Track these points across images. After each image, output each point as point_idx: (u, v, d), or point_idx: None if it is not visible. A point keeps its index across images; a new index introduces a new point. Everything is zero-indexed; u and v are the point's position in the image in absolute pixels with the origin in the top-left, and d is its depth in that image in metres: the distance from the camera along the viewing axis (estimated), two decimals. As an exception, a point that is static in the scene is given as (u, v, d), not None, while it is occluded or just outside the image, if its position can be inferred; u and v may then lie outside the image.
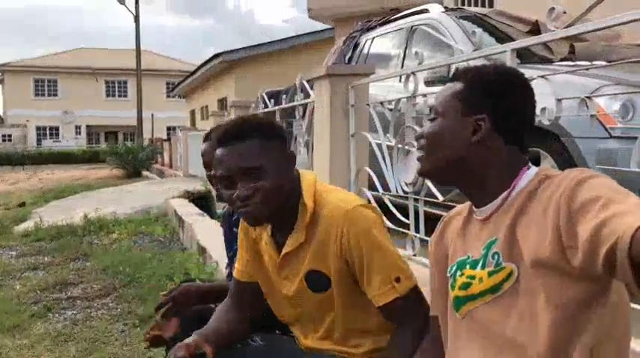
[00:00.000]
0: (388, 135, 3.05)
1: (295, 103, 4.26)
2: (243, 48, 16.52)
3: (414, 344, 1.37)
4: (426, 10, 4.57)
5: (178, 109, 32.37)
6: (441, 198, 2.59)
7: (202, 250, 4.70)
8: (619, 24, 1.71)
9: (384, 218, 2.01)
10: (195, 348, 1.48)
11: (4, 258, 5.65)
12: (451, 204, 2.34)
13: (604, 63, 2.83)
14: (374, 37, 5.25)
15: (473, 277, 1.17)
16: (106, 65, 39.98)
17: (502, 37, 3.74)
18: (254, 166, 1.41)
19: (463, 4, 7.95)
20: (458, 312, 1.21)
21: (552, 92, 2.01)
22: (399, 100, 2.95)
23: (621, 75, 2.66)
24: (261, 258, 1.62)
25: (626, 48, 3.53)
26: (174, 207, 7.07)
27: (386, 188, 3.02)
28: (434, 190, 2.60)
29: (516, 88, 1.22)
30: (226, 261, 2.41)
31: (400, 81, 2.95)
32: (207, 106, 20.14)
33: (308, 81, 3.95)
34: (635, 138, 1.73)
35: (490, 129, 1.17)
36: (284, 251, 1.51)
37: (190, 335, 1.56)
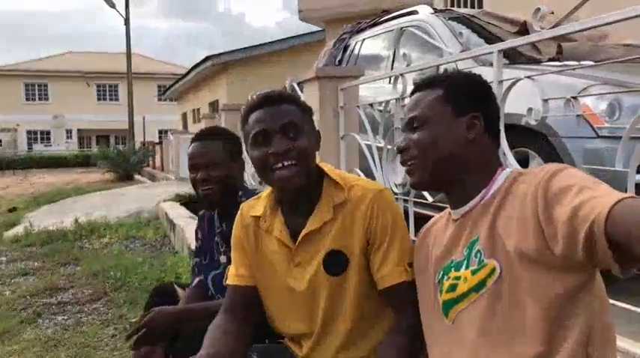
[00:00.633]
0: (378, 136, 3.05)
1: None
2: (234, 50, 16.51)
3: (410, 342, 1.37)
4: (415, 12, 4.58)
5: (170, 112, 32.29)
6: (430, 198, 2.59)
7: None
8: (605, 24, 1.72)
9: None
10: None
11: (-6, 264, 5.61)
12: (440, 204, 2.34)
13: (591, 63, 2.84)
14: (364, 39, 5.25)
15: (458, 278, 1.19)
16: (96, 69, 39.81)
17: (490, 38, 3.76)
18: (295, 123, 1.45)
19: (452, 5, 7.97)
20: (447, 318, 1.21)
21: (539, 92, 2.02)
22: (388, 102, 2.95)
23: (608, 75, 2.68)
24: (263, 257, 1.57)
25: (612, 48, 3.55)
26: (166, 211, 7.04)
27: (376, 189, 3.01)
28: (423, 191, 2.60)
29: (490, 92, 1.30)
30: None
31: (389, 82, 2.96)
32: (198, 109, 20.10)
33: (298, 83, 3.94)
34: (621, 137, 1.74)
35: (482, 125, 1.22)
36: (307, 230, 1.47)
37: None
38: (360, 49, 5.24)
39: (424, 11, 4.49)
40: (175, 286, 2.28)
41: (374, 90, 3.80)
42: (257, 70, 15.48)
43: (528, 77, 2.03)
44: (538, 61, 3.34)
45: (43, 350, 3.26)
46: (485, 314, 1.11)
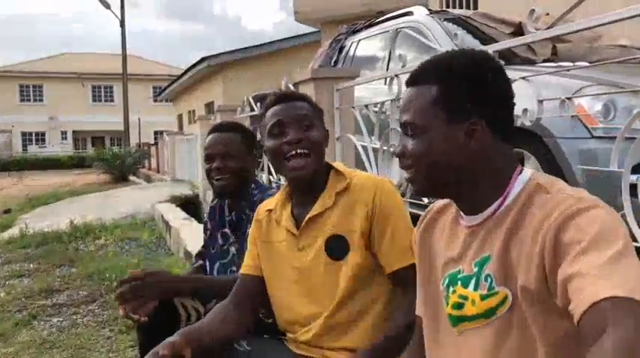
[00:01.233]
0: (373, 137, 3.06)
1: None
2: (230, 51, 16.49)
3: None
4: (410, 13, 4.59)
5: (165, 114, 32.21)
6: (426, 199, 2.60)
7: (189, 255, 4.68)
8: (600, 25, 1.73)
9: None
10: (179, 348, 1.43)
11: (-11, 266, 5.59)
12: (436, 205, 2.35)
13: (586, 64, 2.85)
14: (359, 40, 5.26)
15: (465, 298, 1.10)
16: (92, 70, 39.68)
17: (485, 39, 3.77)
18: (308, 116, 1.57)
19: (448, 6, 7.99)
20: (454, 328, 1.14)
21: (534, 93, 2.02)
22: (383, 103, 2.96)
23: (602, 75, 2.69)
24: (271, 247, 1.65)
25: (607, 49, 3.57)
26: (161, 212, 7.03)
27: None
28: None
29: (495, 72, 1.10)
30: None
31: (385, 83, 2.96)
32: (194, 110, 20.08)
33: (294, 84, 3.95)
34: (615, 137, 1.75)
35: (485, 130, 1.06)
36: (309, 215, 1.56)
37: (162, 324, 1.58)
38: (355, 50, 5.24)
39: (419, 12, 4.50)
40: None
41: (369, 91, 3.80)
42: (253, 71, 15.48)
43: (523, 78, 2.04)
44: (533, 62, 3.35)
45: (38, 352, 3.25)
46: (495, 341, 1.05)
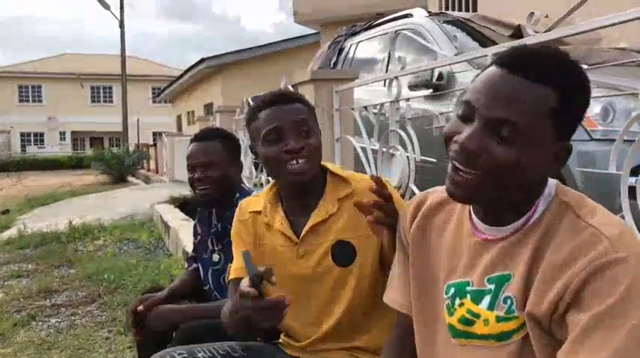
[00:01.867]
0: (373, 139, 3.06)
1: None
2: (229, 53, 16.52)
3: None
4: (409, 15, 4.60)
5: (164, 114, 32.23)
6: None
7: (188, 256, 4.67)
8: (599, 27, 1.73)
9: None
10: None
11: (-13, 266, 5.58)
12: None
13: (585, 66, 2.85)
14: (359, 42, 5.27)
15: (477, 315, 1.02)
16: (91, 71, 39.69)
17: (484, 41, 3.77)
18: (306, 121, 1.49)
19: (447, 8, 8.00)
20: (454, 340, 1.06)
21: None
22: (382, 104, 2.96)
23: (601, 78, 2.69)
24: (263, 251, 1.56)
25: (606, 51, 3.57)
26: (160, 213, 7.02)
27: (371, 192, 3.02)
28: (418, 194, 2.61)
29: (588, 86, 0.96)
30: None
31: (384, 85, 2.97)
32: (193, 111, 20.08)
33: (293, 86, 3.95)
34: (614, 140, 1.75)
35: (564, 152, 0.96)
36: (312, 222, 1.50)
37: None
38: (355, 52, 5.25)
39: (419, 14, 4.51)
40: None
41: (369, 92, 3.81)
42: (252, 72, 15.48)
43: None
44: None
45: (36, 353, 3.25)
46: None
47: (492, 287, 0.99)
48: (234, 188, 2.04)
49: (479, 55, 2.31)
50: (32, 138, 40.01)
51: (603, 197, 1.14)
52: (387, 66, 4.42)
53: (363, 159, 3.07)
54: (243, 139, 4.50)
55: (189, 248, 4.65)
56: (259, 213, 1.59)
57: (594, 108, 2.54)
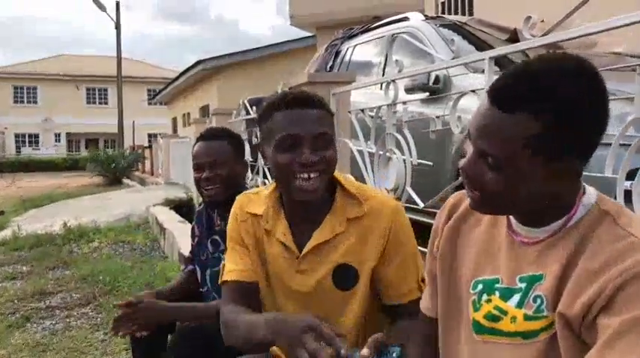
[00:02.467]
0: (369, 142, 3.06)
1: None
2: (225, 55, 16.50)
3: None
4: (406, 18, 4.61)
5: (160, 116, 32.16)
6: (421, 204, 2.60)
7: (183, 258, 4.67)
8: (594, 32, 1.74)
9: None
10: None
11: (-18, 268, 5.55)
12: (432, 210, 2.35)
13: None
14: (355, 45, 5.28)
15: (504, 312, 1.04)
16: (86, 72, 39.61)
17: (481, 45, 3.79)
18: (328, 133, 1.38)
19: (443, 12, 8.03)
20: (477, 336, 1.09)
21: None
22: (379, 107, 2.96)
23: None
24: (263, 257, 1.50)
25: (602, 56, 3.59)
26: (155, 215, 7.01)
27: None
28: (415, 197, 2.62)
29: (601, 95, 0.94)
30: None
31: (381, 88, 2.97)
32: (189, 113, 20.05)
33: (290, 88, 3.96)
34: (610, 144, 1.76)
35: (574, 165, 0.96)
36: (317, 240, 1.41)
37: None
38: (351, 55, 5.26)
39: (415, 18, 4.53)
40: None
41: (366, 95, 3.81)
42: (248, 74, 15.49)
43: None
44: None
45: (31, 355, 3.23)
46: None
47: (523, 286, 1.02)
48: (240, 186, 2.04)
49: (475, 58, 2.32)
50: (27, 140, 39.85)
51: (599, 201, 1.14)
52: (384, 69, 4.43)
53: (360, 162, 3.07)
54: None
55: (185, 250, 4.67)
56: (260, 216, 1.50)
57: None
